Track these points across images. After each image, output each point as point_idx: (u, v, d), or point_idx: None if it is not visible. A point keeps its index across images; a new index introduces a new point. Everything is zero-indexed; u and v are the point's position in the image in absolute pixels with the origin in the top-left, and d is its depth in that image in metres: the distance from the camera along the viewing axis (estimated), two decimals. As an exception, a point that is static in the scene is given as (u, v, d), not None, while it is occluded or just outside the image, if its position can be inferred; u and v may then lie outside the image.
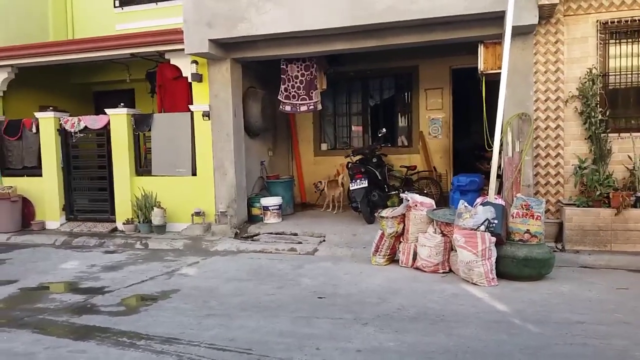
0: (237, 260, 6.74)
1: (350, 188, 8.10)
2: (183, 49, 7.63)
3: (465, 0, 6.24)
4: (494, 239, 5.38)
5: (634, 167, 6.38)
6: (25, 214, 9.23)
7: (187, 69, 8.07)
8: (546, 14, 6.31)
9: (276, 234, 8.03)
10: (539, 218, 5.49)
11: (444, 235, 5.83)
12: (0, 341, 3.94)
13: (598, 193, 6.30)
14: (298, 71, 8.47)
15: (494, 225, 5.44)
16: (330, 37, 7.23)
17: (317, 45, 7.43)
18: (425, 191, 9.40)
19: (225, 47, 7.81)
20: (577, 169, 6.57)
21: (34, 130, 9.24)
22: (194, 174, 8.49)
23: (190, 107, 8.35)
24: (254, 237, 7.98)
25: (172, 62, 8.30)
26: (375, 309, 4.52)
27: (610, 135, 6.49)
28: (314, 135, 10.80)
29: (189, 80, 8.16)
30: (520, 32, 6.32)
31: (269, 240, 7.73)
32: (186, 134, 8.46)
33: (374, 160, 8.77)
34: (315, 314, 4.46)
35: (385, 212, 6.22)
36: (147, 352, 3.64)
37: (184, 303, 4.81)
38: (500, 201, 5.72)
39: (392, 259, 6.28)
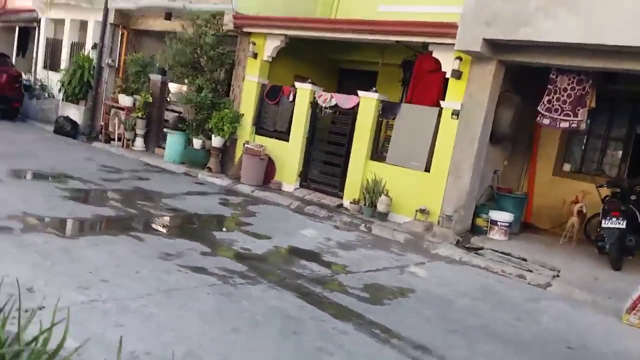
0: (463, 272, 6.55)
1: (603, 225, 7.18)
2: (449, 43, 7.54)
3: None
4: None
5: None
6: (268, 172, 10.29)
7: (448, 64, 7.95)
8: None
9: (502, 253, 7.56)
10: None
11: None
12: (274, 298, 4.41)
13: None
14: (568, 84, 7.70)
15: None
16: (623, 54, 6.37)
17: (604, 60, 6.63)
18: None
19: (496, 47, 7.47)
20: None
21: (290, 98, 10.15)
22: (427, 170, 8.43)
23: (442, 103, 8.26)
24: (478, 251, 7.65)
25: (434, 54, 8.24)
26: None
27: None
28: (557, 153, 9.84)
29: (447, 75, 8.04)
30: None
31: (494, 258, 7.32)
32: (429, 129, 8.40)
33: (633, 197, 7.62)
34: (567, 366, 4.05)
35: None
36: (402, 355, 3.69)
37: (424, 308, 4.81)
38: None
39: (650, 322, 5.40)
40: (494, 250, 7.63)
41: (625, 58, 6.50)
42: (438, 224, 8.19)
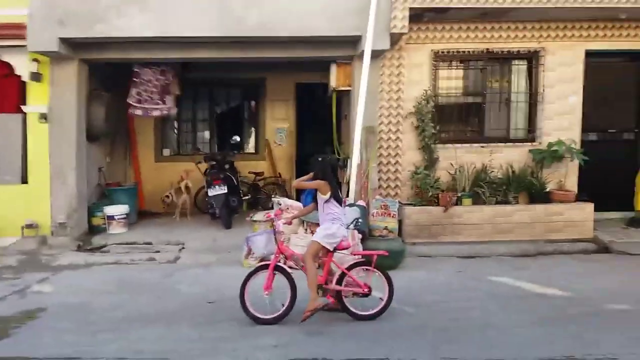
0: (95, 273, 6.19)
1: (210, 194, 8.05)
2: (19, 45, 6.81)
3: (330, 23, 6.83)
4: (360, 236, 6.01)
5: (455, 172, 7.69)
6: None
7: (23, 67, 7.17)
8: (393, 42, 7.26)
9: (127, 244, 7.53)
10: (394, 216, 6.33)
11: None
12: None
13: (430, 194, 7.43)
14: (152, 75, 8.14)
15: (359, 223, 6.08)
16: (194, 44, 7.17)
17: (180, 51, 7.27)
18: (272, 195, 9.77)
19: (74, 46, 7.16)
20: (413, 174, 7.63)
21: None
22: (24, 182, 7.49)
23: (24, 108, 7.41)
24: (102, 249, 7.38)
25: (4, 58, 7.25)
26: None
27: (438, 145, 7.71)
28: (155, 140, 10.32)
29: (25, 79, 7.25)
30: (373, 55, 7.14)
31: (121, 252, 7.21)
32: (16, 137, 7.48)
33: (227, 166, 8.84)
34: (213, 318, 4.46)
35: (257, 216, 6.41)
36: (51, 375, 3.26)
37: (60, 322, 4.33)
38: (362, 203, 6.41)
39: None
40: (118, 244, 7.51)
41: (196, 48, 7.31)
42: (52, 234, 7.45)
